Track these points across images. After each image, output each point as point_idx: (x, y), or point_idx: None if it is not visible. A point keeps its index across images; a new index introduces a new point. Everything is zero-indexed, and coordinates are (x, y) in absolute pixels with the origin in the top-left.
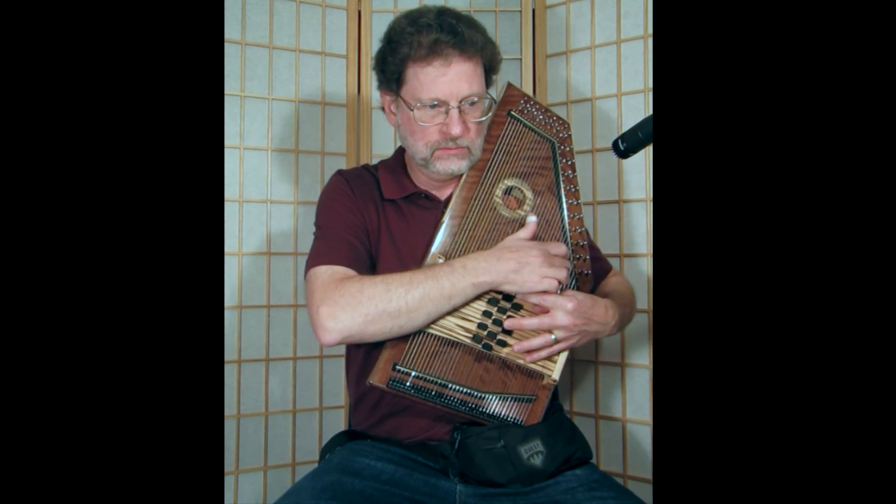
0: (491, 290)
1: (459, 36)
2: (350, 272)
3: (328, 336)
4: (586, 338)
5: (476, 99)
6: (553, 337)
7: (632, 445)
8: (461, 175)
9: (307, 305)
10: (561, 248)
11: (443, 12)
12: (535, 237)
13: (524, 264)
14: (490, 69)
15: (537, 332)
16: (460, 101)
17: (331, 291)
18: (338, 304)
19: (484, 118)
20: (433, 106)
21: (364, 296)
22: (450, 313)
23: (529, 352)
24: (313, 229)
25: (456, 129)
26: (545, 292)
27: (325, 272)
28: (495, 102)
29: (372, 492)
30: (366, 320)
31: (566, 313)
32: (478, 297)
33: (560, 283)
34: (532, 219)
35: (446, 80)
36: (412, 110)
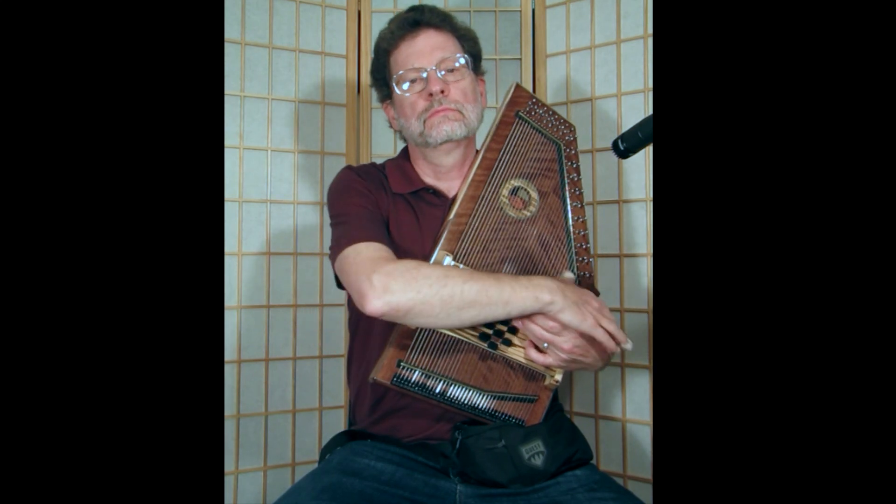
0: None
1: (423, 14)
2: (385, 249)
3: (377, 303)
4: (576, 366)
5: (455, 65)
6: (546, 345)
7: (632, 445)
8: (466, 169)
9: (348, 277)
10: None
11: (414, 7)
12: (539, 239)
13: (585, 303)
14: (472, 54)
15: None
16: (437, 65)
17: (383, 264)
18: (392, 276)
19: (466, 79)
20: (414, 80)
21: (420, 274)
22: (500, 321)
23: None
24: (313, 229)
25: (435, 86)
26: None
27: (367, 248)
28: (470, 58)
29: (372, 492)
30: (418, 298)
31: (568, 339)
32: None
33: (611, 335)
34: (569, 275)
35: (416, 49)
36: (399, 90)
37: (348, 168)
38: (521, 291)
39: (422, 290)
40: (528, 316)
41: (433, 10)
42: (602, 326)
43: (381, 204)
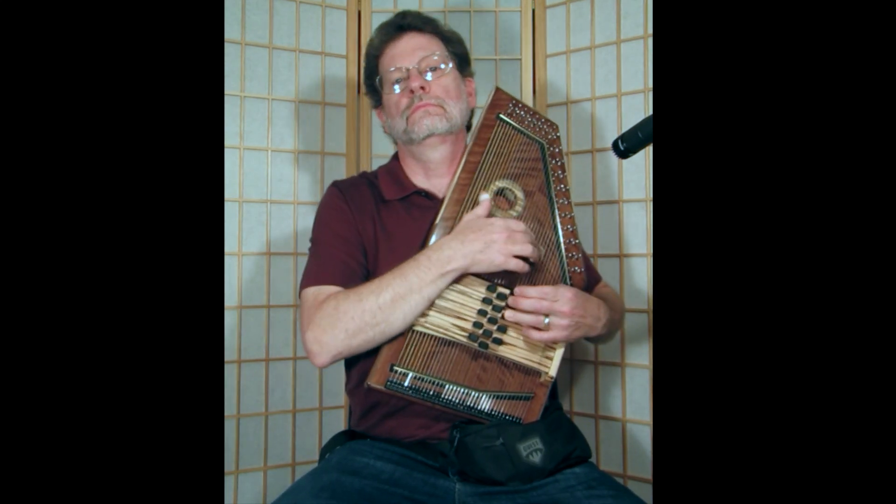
0: (478, 282)
1: (406, 18)
2: (335, 289)
3: (318, 359)
4: (580, 331)
5: (438, 66)
6: (546, 320)
7: (632, 445)
8: (454, 165)
9: (300, 329)
10: (519, 225)
11: (399, 13)
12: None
13: (489, 243)
14: (458, 55)
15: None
16: (419, 62)
17: (313, 314)
18: (319, 327)
19: (448, 77)
20: (398, 81)
21: (340, 312)
22: (430, 307)
23: (522, 328)
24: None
25: (415, 82)
26: (533, 285)
27: (311, 294)
28: (455, 58)
29: (371, 491)
30: (347, 336)
31: (566, 300)
32: (472, 297)
33: (528, 259)
34: (484, 197)
35: (399, 49)
36: (386, 91)
37: (333, 186)
38: (427, 274)
39: (348, 328)
40: (519, 293)
41: (416, 15)
42: (514, 256)
43: (363, 226)
